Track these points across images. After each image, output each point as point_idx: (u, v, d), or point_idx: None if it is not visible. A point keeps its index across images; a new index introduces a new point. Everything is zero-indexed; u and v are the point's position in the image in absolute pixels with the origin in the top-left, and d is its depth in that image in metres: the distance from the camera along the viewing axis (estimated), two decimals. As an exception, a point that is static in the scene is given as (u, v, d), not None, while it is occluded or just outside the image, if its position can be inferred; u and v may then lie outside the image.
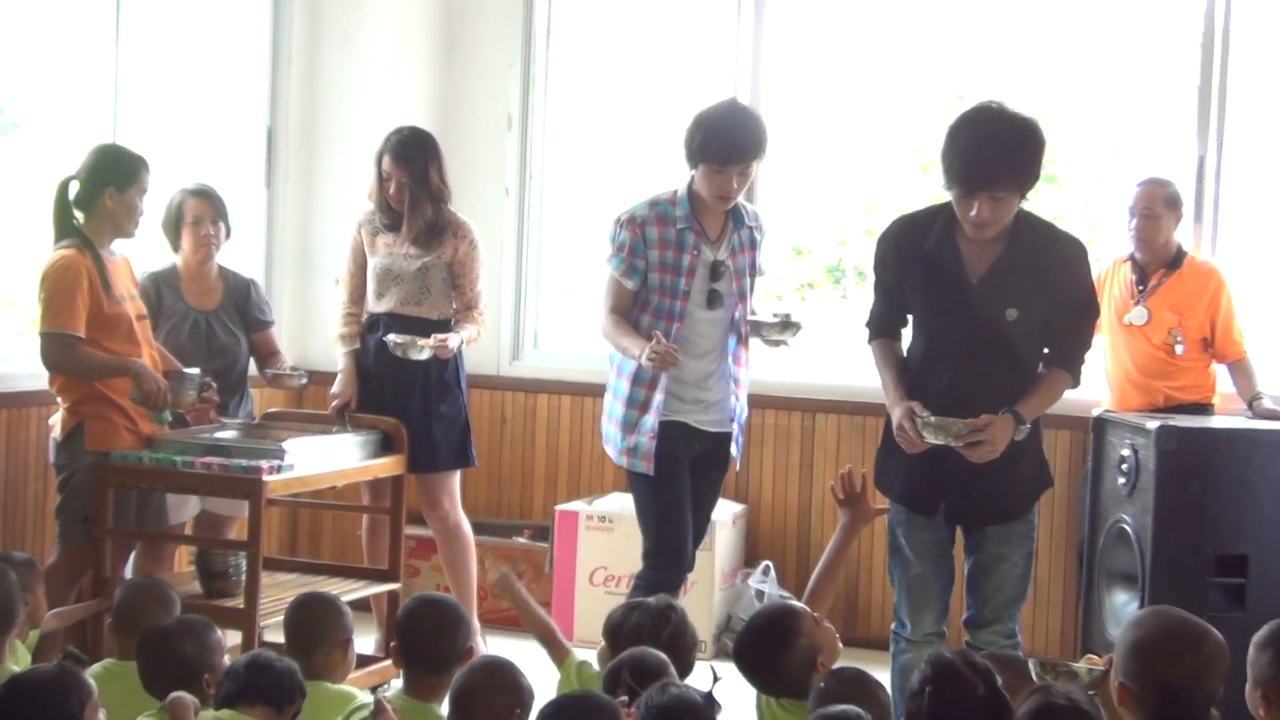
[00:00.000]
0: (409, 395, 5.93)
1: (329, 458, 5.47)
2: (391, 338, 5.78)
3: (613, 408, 5.26)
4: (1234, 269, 6.27)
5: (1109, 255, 6.38)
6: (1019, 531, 4.61)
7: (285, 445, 5.25)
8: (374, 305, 6.00)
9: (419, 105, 7.23)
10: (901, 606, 4.67)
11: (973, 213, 4.35)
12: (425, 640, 3.91)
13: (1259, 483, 5.61)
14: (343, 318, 6.07)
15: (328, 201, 7.16)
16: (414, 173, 5.89)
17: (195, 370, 5.37)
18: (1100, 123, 7.39)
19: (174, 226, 5.84)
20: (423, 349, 5.76)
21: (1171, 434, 5.55)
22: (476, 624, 5.75)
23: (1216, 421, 5.96)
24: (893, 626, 4.73)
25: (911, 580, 4.64)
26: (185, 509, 5.68)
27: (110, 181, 5.16)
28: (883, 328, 4.79)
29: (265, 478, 5.06)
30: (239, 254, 6.29)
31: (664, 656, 3.78)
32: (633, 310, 5.20)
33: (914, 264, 4.59)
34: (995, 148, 4.34)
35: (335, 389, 5.98)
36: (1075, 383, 4.66)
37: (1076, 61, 7.26)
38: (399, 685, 4.02)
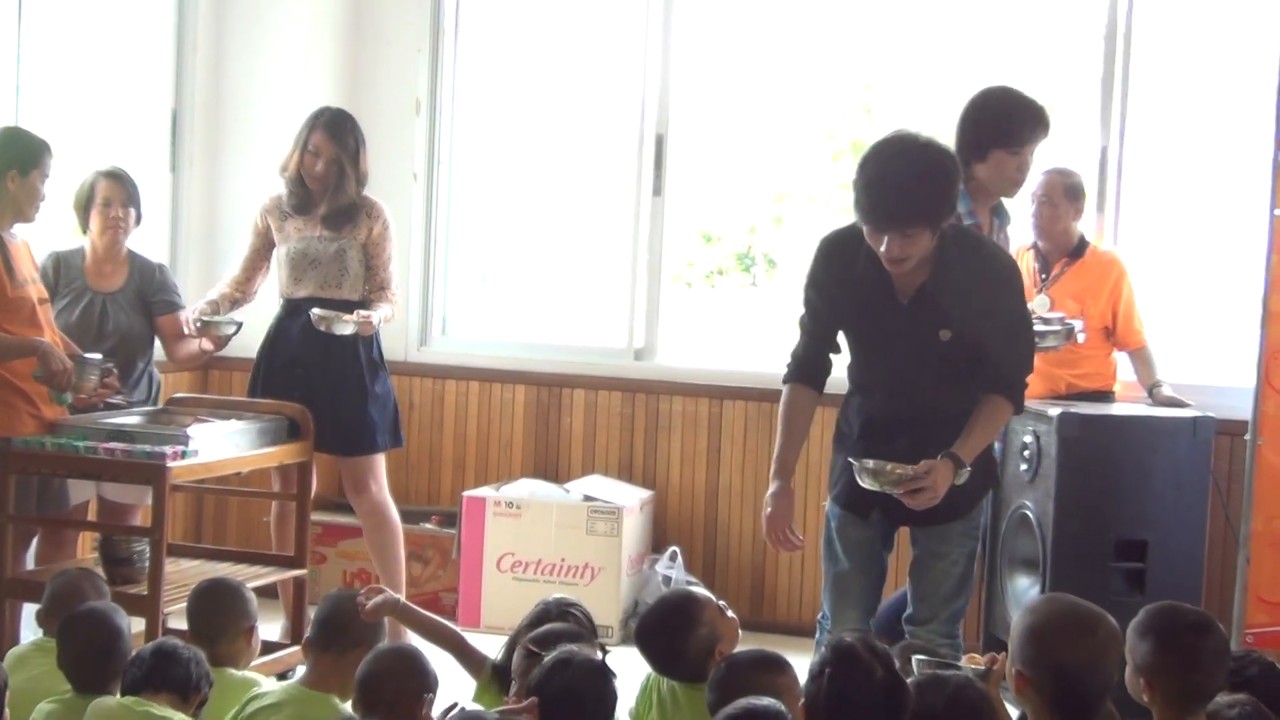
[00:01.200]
0: (342, 377, 5.94)
1: (234, 443, 5.43)
2: (316, 312, 5.79)
3: None
4: (1135, 258, 6.35)
5: (1013, 245, 6.43)
6: (959, 530, 4.50)
7: (190, 431, 5.20)
8: (291, 290, 5.97)
9: (326, 89, 7.17)
10: (826, 599, 4.64)
11: (883, 249, 4.22)
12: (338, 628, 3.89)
13: (1159, 469, 5.70)
14: (224, 284, 6.11)
15: (234, 186, 7.09)
16: (346, 150, 5.89)
17: (97, 356, 5.32)
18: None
19: (84, 207, 5.78)
20: (347, 323, 5.79)
21: (1073, 421, 5.62)
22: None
23: (1117, 409, 6.04)
24: (819, 615, 4.70)
25: (837, 576, 4.59)
26: (82, 490, 5.62)
27: (12, 165, 5.09)
28: (802, 368, 4.58)
29: (169, 463, 5.02)
30: (142, 238, 6.21)
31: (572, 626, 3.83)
32: None
33: (844, 285, 4.45)
34: (901, 185, 4.18)
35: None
36: (1017, 409, 4.51)
37: (982, 51, 7.31)
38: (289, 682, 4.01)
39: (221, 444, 5.34)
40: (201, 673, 3.74)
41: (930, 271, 4.33)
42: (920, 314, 4.36)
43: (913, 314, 4.37)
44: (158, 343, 5.96)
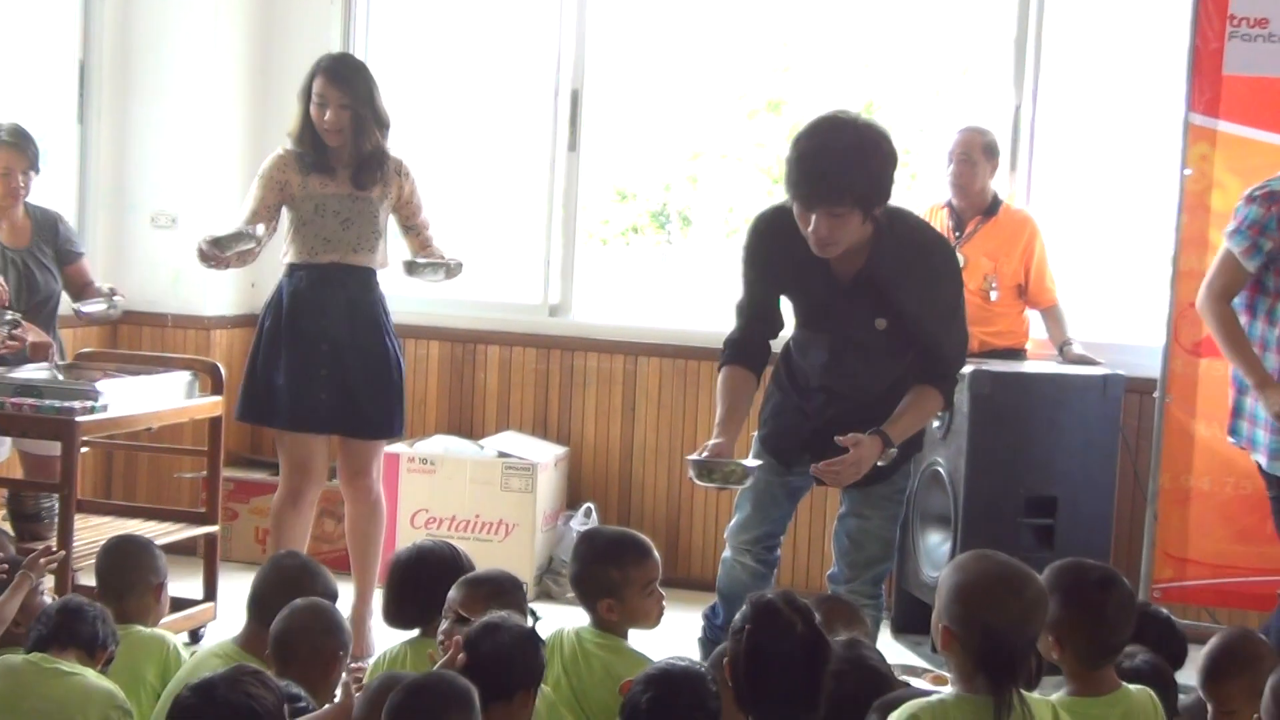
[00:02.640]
0: (372, 354, 5.44)
1: (144, 398, 5.37)
2: (419, 259, 5.45)
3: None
4: (1047, 218, 6.40)
5: (927, 202, 6.47)
6: (881, 494, 4.49)
7: (99, 385, 5.14)
8: (312, 256, 5.36)
9: (237, 41, 7.09)
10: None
11: (810, 228, 4.10)
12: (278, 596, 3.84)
13: (1068, 426, 5.76)
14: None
15: (143, 137, 6.99)
16: (358, 94, 5.32)
17: (5, 311, 5.24)
18: (919, 71, 7.48)
19: None
20: (438, 270, 5.45)
21: (985, 378, 5.66)
22: (375, 602, 5.31)
23: (1029, 366, 6.09)
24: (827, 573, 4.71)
25: (741, 514, 4.63)
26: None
27: None
28: (738, 352, 4.49)
29: (78, 418, 4.96)
30: (49, 192, 6.11)
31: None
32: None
33: (781, 264, 4.36)
34: (833, 161, 4.05)
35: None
36: (946, 403, 4.48)
37: (898, 10, 7.34)
38: (223, 637, 3.97)
39: (132, 399, 5.28)
40: (108, 631, 3.71)
41: (867, 258, 4.22)
42: (856, 300, 4.28)
43: (849, 298, 4.29)
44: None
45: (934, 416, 4.73)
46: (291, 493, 5.44)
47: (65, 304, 5.82)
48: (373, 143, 5.35)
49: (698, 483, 4.28)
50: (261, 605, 3.82)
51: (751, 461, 4.33)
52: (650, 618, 3.94)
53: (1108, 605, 3.40)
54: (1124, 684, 3.41)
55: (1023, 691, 3.02)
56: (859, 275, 4.25)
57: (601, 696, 3.73)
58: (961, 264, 6.03)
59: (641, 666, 3.59)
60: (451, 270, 5.46)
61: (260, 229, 5.29)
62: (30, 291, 5.62)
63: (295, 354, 5.35)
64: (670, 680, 3.29)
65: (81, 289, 5.82)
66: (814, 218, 4.08)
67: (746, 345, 4.50)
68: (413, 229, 5.55)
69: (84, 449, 5.44)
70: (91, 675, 3.59)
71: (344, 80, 5.31)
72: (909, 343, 4.37)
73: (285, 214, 5.45)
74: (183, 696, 3.06)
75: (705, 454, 4.21)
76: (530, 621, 3.50)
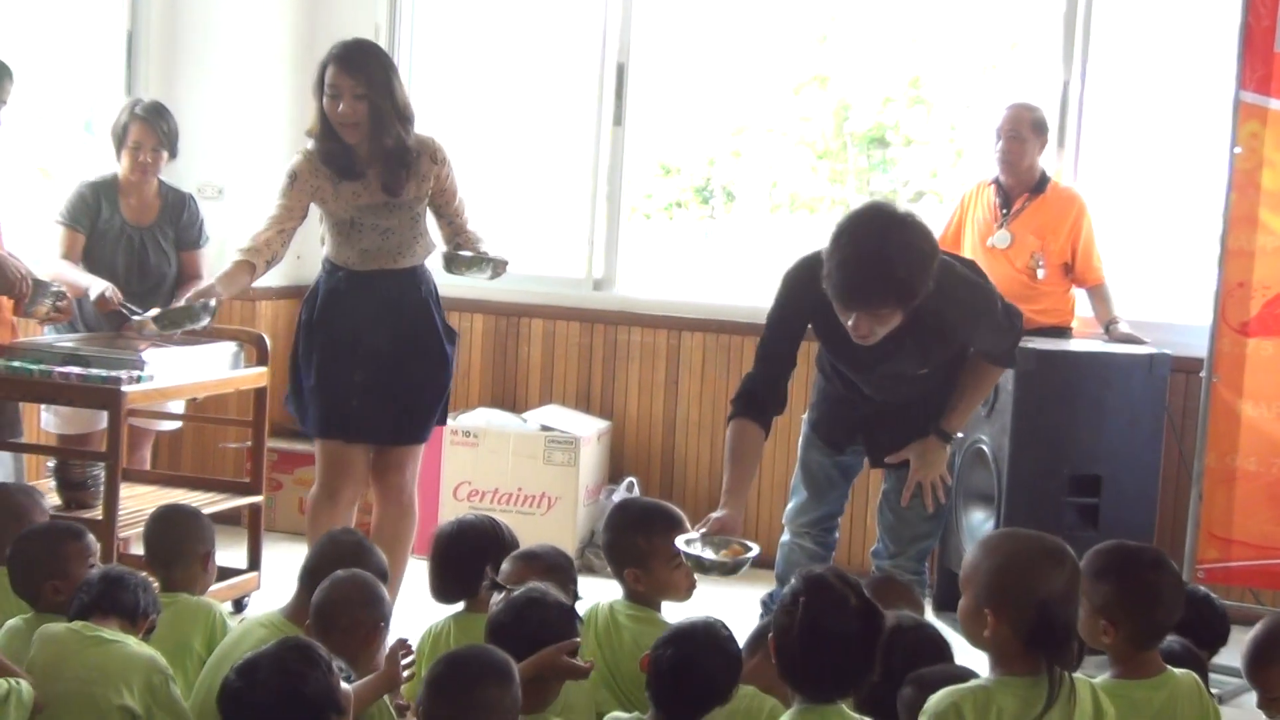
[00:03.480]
0: (422, 356, 5.07)
1: (190, 369, 5.39)
2: (463, 252, 5.01)
3: None
4: (1095, 195, 6.36)
5: (974, 179, 6.44)
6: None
7: (145, 355, 5.17)
8: (354, 264, 5.01)
9: (284, 12, 7.11)
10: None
11: (850, 323, 4.08)
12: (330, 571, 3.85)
13: (1114, 405, 5.73)
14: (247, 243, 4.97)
15: (189, 109, 6.97)
16: (374, 82, 4.82)
17: (53, 282, 5.28)
18: (968, 47, 7.45)
19: (118, 142, 5.76)
20: (483, 266, 5.02)
21: (1030, 356, 5.63)
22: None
23: (1074, 345, 6.05)
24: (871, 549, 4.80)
25: (798, 499, 4.75)
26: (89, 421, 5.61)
27: None
28: (752, 404, 4.42)
29: (124, 388, 4.98)
30: (94, 162, 6.13)
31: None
32: None
33: (816, 318, 4.34)
34: (872, 270, 3.98)
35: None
36: (1009, 365, 4.63)
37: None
38: (270, 609, 3.99)
39: (177, 369, 5.30)
40: (149, 600, 3.73)
41: (907, 319, 4.14)
42: (895, 354, 4.28)
43: (887, 353, 4.27)
44: None
45: (993, 386, 4.82)
46: (328, 492, 5.07)
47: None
48: (393, 137, 4.86)
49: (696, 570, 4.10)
50: (314, 578, 3.83)
51: (748, 553, 4.11)
52: (679, 590, 3.96)
53: (1163, 586, 3.40)
54: (1169, 667, 3.39)
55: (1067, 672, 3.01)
56: (899, 332, 4.17)
57: (632, 668, 3.73)
58: (1008, 242, 6.06)
59: None
60: (497, 267, 5.04)
61: (214, 304, 4.87)
62: (141, 274, 5.68)
63: (325, 357, 5.01)
64: (691, 637, 3.30)
65: (184, 282, 5.80)
66: (853, 315, 4.06)
67: (761, 395, 4.43)
68: (445, 216, 5.12)
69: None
70: (132, 642, 3.61)
71: (358, 67, 4.82)
72: (955, 372, 4.47)
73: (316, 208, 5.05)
74: (228, 680, 3.06)
75: (704, 530, 4.10)
76: (572, 598, 3.51)
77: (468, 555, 3.95)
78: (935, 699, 2.99)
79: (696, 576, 4.03)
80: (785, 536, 4.74)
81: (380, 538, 4.92)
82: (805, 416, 4.74)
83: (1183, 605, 3.44)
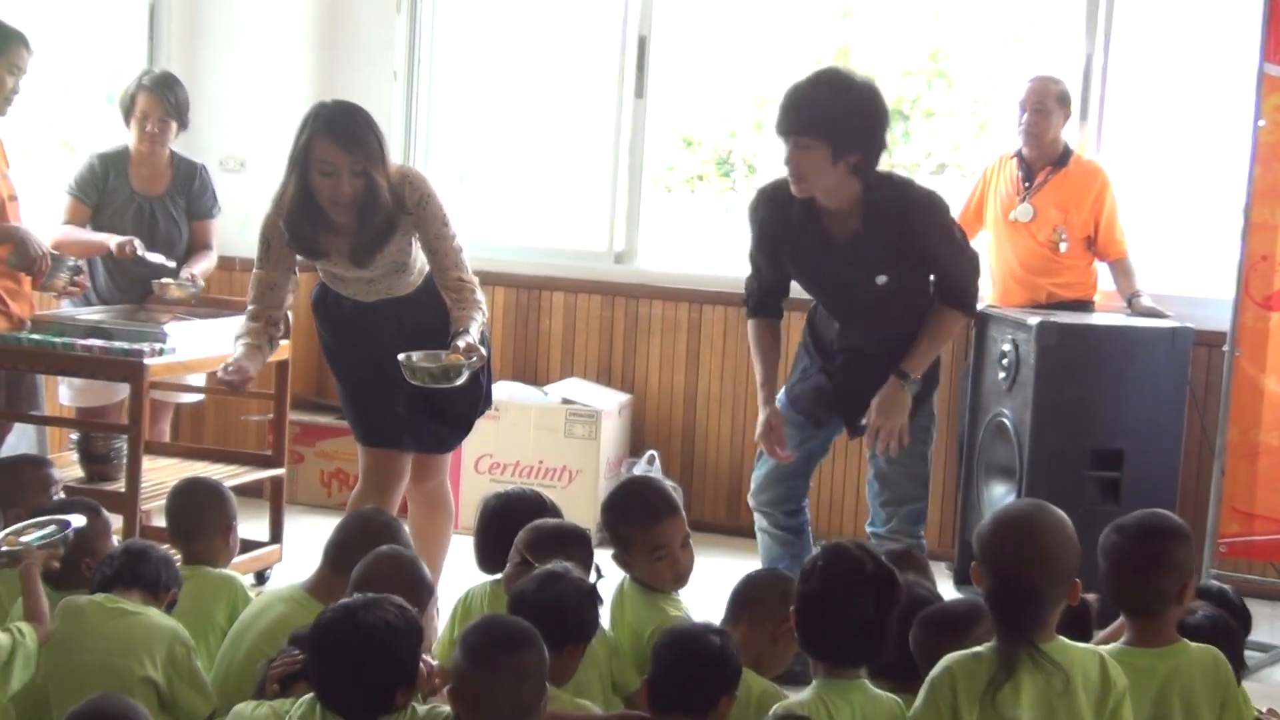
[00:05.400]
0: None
1: (212, 342, 5.40)
2: (411, 364, 4.36)
3: None
4: (1118, 169, 6.33)
5: (996, 152, 6.42)
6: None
7: (167, 328, 5.18)
8: (358, 297, 4.72)
9: (306, -15, 7.12)
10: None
11: (784, 159, 4.39)
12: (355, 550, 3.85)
13: (1136, 379, 5.71)
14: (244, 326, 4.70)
15: (211, 81, 7.02)
16: (372, 156, 4.38)
17: (69, 256, 5.31)
18: (991, 20, 7.41)
19: (126, 113, 5.78)
20: (461, 373, 4.37)
21: (1052, 330, 5.62)
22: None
23: (1097, 318, 6.04)
24: None
25: (755, 475, 4.99)
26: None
27: None
28: (760, 304, 4.89)
29: (146, 360, 5.00)
30: (114, 134, 6.14)
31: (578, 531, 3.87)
32: None
33: (779, 229, 4.64)
34: (807, 93, 4.35)
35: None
36: (968, 314, 4.76)
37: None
38: (292, 581, 3.99)
39: (199, 341, 5.32)
40: (171, 574, 3.75)
41: (862, 219, 4.47)
42: (855, 260, 4.52)
43: (847, 259, 4.52)
44: None
45: (953, 335, 4.92)
46: (372, 489, 4.82)
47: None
48: (383, 213, 4.40)
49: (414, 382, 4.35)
50: (340, 554, 3.84)
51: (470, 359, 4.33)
52: (661, 582, 3.88)
53: (1142, 553, 3.37)
54: (1184, 640, 3.38)
55: (1044, 644, 3.02)
56: (856, 235, 4.47)
57: (636, 646, 3.74)
58: (1031, 215, 6.04)
59: (663, 622, 3.61)
60: (452, 373, 4.36)
61: (73, 260, 5.14)
62: (150, 241, 5.68)
63: (355, 379, 4.82)
64: (686, 642, 3.22)
65: (194, 252, 5.84)
66: (787, 149, 4.35)
67: (765, 294, 4.88)
68: (429, 253, 4.59)
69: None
70: (154, 614, 3.63)
71: (356, 141, 4.35)
72: (914, 296, 4.61)
73: None
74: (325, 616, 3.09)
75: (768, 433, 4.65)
76: (594, 577, 3.52)
77: (511, 527, 3.94)
78: (936, 666, 3.05)
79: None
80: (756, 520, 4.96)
81: (416, 534, 4.88)
82: (783, 389, 4.92)
83: (1178, 577, 3.39)
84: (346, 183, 4.34)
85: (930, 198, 4.60)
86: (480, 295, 4.56)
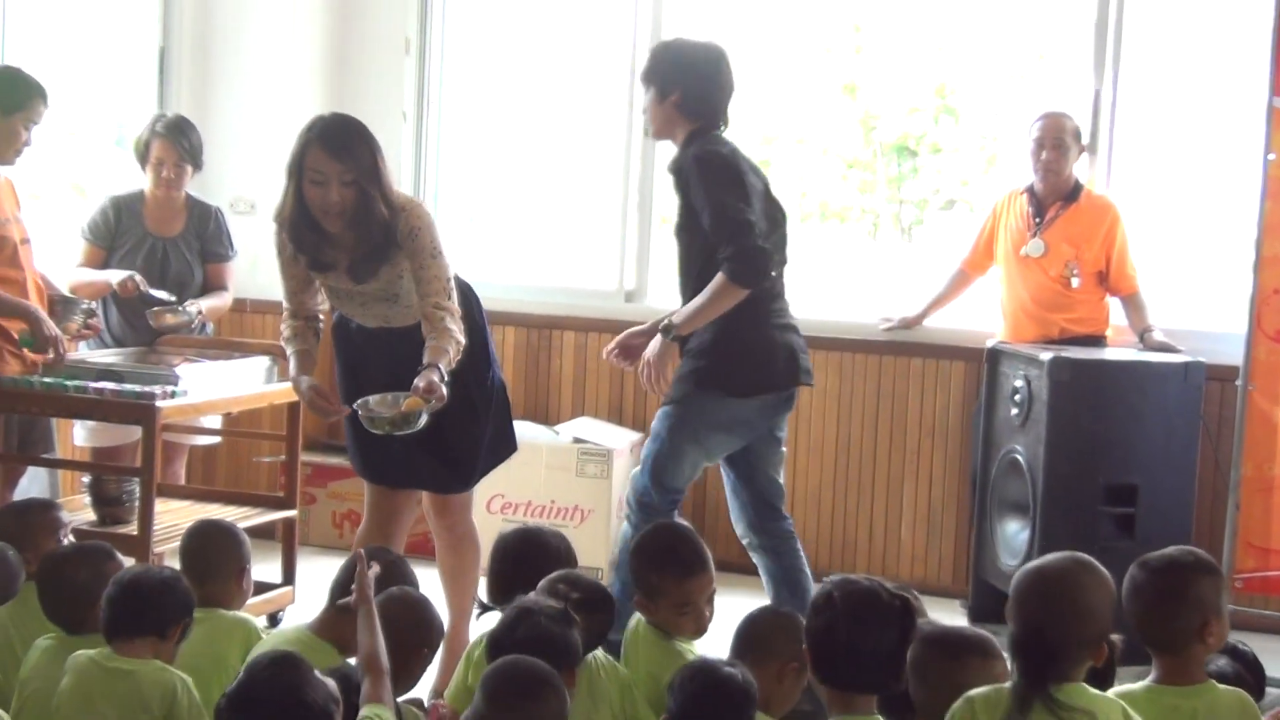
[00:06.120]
0: (463, 408, 4.61)
1: (223, 383, 5.41)
2: (369, 413, 4.33)
3: None
4: (1128, 203, 6.33)
5: (1005, 188, 6.42)
6: (665, 411, 4.98)
7: (179, 370, 5.19)
8: (361, 320, 4.70)
9: (315, 26, 7.13)
10: None
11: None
12: None
13: (1149, 414, 5.70)
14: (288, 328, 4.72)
15: (222, 124, 7.04)
16: (362, 167, 4.37)
17: (81, 298, 5.37)
18: (999, 56, 7.43)
19: (141, 157, 5.88)
20: (420, 417, 4.29)
21: (1065, 365, 5.61)
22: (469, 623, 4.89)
23: (1109, 353, 6.03)
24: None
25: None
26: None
27: None
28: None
29: (159, 403, 5.00)
30: (126, 177, 6.17)
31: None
32: None
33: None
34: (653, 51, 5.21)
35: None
36: (732, 278, 4.73)
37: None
38: (299, 621, 3.99)
39: (211, 384, 5.32)
40: (175, 602, 3.63)
41: (681, 173, 4.93)
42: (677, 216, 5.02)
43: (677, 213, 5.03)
44: None
45: (724, 302, 4.81)
46: (374, 527, 4.84)
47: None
48: (378, 227, 4.39)
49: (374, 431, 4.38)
50: (345, 594, 3.83)
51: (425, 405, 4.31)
52: (684, 632, 3.87)
53: (1161, 588, 3.37)
54: (1211, 681, 3.37)
55: (1065, 690, 3.01)
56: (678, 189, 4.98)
57: (653, 690, 3.72)
58: (1042, 250, 6.05)
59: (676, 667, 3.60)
60: (410, 419, 4.30)
61: (86, 303, 5.36)
62: (161, 281, 5.78)
63: (352, 404, 4.59)
64: (708, 676, 3.26)
65: (211, 291, 5.97)
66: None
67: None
68: (415, 280, 4.50)
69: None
70: (156, 668, 3.55)
71: (346, 151, 4.36)
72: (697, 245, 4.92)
73: None
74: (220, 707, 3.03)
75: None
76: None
77: (526, 566, 3.94)
78: (959, 701, 3.05)
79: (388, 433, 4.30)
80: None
81: (442, 572, 4.96)
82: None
83: (1204, 613, 3.37)
84: (336, 191, 4.35)
85: (708, 155, 4.83)
86: (453, 324, 4.42)
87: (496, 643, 3.42)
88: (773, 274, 4.88)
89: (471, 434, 4.76)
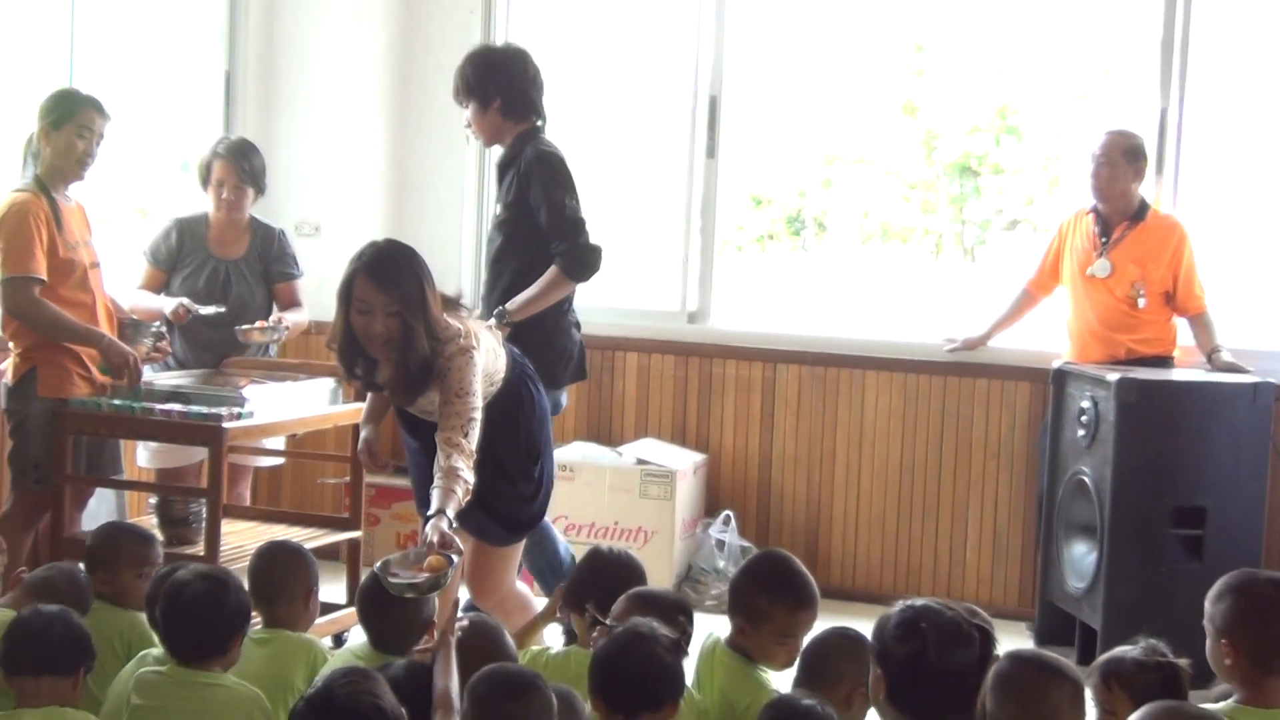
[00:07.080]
0: (496, 472, 4.57)
1: (289, 405, 5.43)
2: (391, 583, 3.86)
3: None
4: (1195, 222, 6.28)
5: (1070, 208, 6.39)
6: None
7: (245, 392, 5.22)
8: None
9: (378, 49, 7.17)
10: None
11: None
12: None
13: (1217, 435, 5.65)
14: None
15: (286, 147, 7.08)
16: (409, 298, 4.28)
17: (151, 322, 5.42)
18: (1062, 75, 7.40)
19: (203, 180, 5.94)
20: (446, 577, 3.93)
21: (1132, 386, 5.57)
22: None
23: (1177, 374, 5.98)
24: None
25: None
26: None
27: (45, 119, 5.11)
28: None
29: (225, 424, 5.02)
30: (190, 201, 6.22)
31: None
32: None
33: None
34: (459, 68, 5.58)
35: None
36: (563, 270, 5.25)
37: (1039, 13, 7.25)
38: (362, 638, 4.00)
39: (277, 406, 5.35)
40: (230, 615, 3.65)
41: (517, 166, 5.33)
42: (500, 208, 5.39)
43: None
44: None
45: (554, 293, 5.31)
46: None
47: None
48: (419, 357, 4.29)
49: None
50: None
51: (450, 565, 3.94)
52: (775, 661, 3.83)
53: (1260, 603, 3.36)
54: None
55: None
56: (503, 189, 5.40)
57: (720, 712, 3.70)
58: (1108, 271, 6.00)
59: (759, 697, 3.58)
60: (438, 582, 3.89)
61: (156, 325, 5.52)
62: (224, 302, 5.82)
63: (406, 439, 4.79)
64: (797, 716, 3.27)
65: (285, 310, 6.01)
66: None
67: None
68: (439, 405, 4.37)
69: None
70: (231, 681, 3.59)
71: (393, 282, 4.27)
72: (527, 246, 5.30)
73: None
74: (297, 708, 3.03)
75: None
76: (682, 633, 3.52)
77: (600, 582, 4.01)
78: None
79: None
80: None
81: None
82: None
83: None
84: (380, 322, 4.28)
85: (548, 156, 5.30)
86: (460, 462, 4.18)
87: (607, 662, 3.38)
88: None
89: (510, 497, 4.71)
